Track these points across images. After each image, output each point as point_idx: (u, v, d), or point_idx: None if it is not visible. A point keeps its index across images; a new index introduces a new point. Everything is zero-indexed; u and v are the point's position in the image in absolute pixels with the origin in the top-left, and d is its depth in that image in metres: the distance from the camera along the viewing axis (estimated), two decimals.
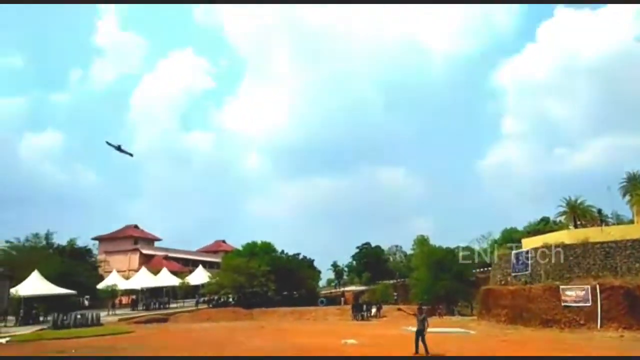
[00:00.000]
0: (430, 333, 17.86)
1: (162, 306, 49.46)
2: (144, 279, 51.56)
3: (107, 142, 45.90)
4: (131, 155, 49.12)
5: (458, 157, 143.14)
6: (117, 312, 45.40)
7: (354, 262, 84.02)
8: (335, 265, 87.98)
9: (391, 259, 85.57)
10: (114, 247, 74.03)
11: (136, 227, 78.62)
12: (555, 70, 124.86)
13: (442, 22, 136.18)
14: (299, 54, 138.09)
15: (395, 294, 57.79)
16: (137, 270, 59.77)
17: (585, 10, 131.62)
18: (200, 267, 59.94)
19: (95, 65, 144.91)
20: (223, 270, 54.27)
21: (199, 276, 55.78)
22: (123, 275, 56.83)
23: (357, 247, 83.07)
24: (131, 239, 75.42)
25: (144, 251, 73.48)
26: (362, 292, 61.57)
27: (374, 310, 44.04)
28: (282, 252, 61.78)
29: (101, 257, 71.13)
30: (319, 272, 74.91)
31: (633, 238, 28.62)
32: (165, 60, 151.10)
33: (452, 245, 62.77)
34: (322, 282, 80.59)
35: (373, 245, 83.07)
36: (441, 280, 46.74)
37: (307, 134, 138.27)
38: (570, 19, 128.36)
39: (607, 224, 40.81)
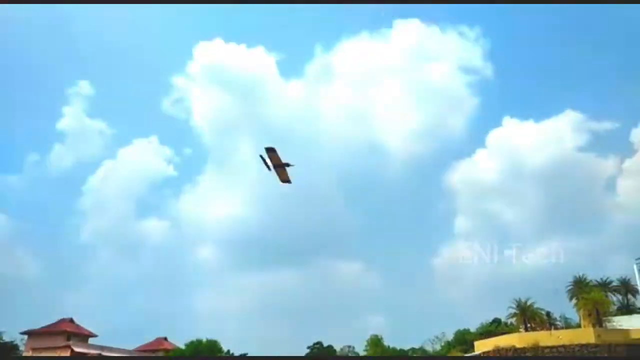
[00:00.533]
0: None
1: None
2: None
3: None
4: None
5: (412, 255, 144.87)
6: None
7: None
8: None
9: None
10: (44, 342, 67.10)
11: (71, 321, 72.35)
12: (503, 175, 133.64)
13: (400, 124, 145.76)
14: (260, 145, 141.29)
15: None
16: None
17: (530, 121, 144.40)
18: None
19: (54, 151, 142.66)
20: None
21: None
22: None
23: (308, 347, 79.45)
24: (64, 335, 68.95)
25: (76, 349, 66.87)
26: None
27: None
28: (228, 352, 58.18)
29: (27, 353, 64.22)
30: None
31: (581, 343, 29.14)
32: (128, 148, 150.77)
33: (406, 346, 61.64)
34: None
35: (325, 344, 79.76)
36: None
37: (262, 226, 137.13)
38: (517, 128, 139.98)
39: (555, 327, 41.52)
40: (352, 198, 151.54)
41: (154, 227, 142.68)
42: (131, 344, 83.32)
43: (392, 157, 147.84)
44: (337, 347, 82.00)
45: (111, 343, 72.72)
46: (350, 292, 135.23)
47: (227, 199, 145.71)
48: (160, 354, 75.02)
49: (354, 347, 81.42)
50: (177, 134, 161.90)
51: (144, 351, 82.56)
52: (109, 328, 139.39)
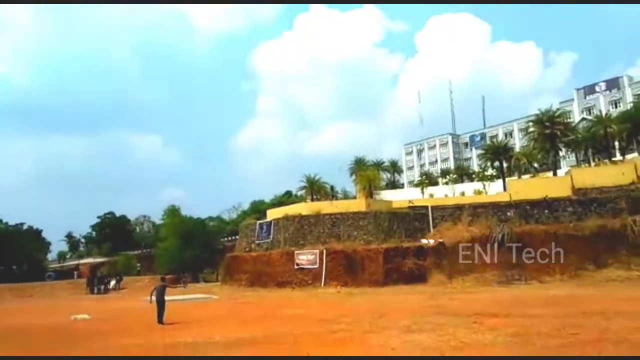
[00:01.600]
0: (174, 301, 17.52)
1: None
2: None
3: None
4: None
5: (214, 131, 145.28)
6: None
7: (94, 233, 76.39)
8: (70, 236, 78.39)
9: (138, 229, 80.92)
10: None
11: None
12: (306, 60, 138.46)
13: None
14: (43, 16, 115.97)
15: (138, 264, 55.12)
16: None
17: (335, 10, 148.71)
18: None
19: None
20: None
21: None
22: None
23: (99, 217, 75.77)
24: None
25: None
26: (101, 264, 56.53)
27: (112, 282, 41.01)
28: (1, 221, 51.56)
29: None
30: (49, 243, 65.59)
31: (354, 211, 33.83)
32: None
33: (204, 216, 63.71)
34: (52, 255, 70.84)
35: (117, 214, 77.09)
36: (189, 249, 46.67)
37: (45, 89, 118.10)
38: (323, 14, 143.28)
39: (337, 199, 47.42)
40: (152, 70, 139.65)
41: None
42: None
43: (200, 32, 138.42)
44: (132, 217, 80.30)
45: None
46: (148, 165, 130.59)
47: None
48: None
49: (150, 217, 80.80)
50: None
51: None
52: None
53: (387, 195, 45.01)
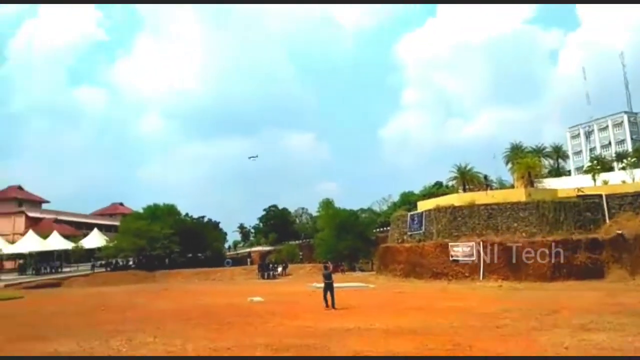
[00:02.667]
0: (335, 288, 18.75)
1: (53, 270, 46.22)
2: (31, 243, 47.58)
3: None
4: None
5: (362, 125, 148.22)
6: (3, 277, 41.56)
7: (261, 224, 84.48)
8: (242, 227, 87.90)
9: (297, 220, 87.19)
10: None
11: (20, 188, 71.44)
12: (452, 45, 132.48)
13: None
14: (204, 18, 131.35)
15: (300, 253, 59.44)
16: (23, 234, 54.75)
17: None
18: (96, 230, 56.54)
19: None
20: (122, 234, 51.68)
21: (95, 240, 52.72)
22: (7, 240, 51.84)
23: (264, 210, 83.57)
24: (14, 201, 68.45)
25: (30, 214, 67.19)
26: (268, 252, 62.34)
27: (280, 269, 45.02)
28: (187, 214, 60.24)
29: None
30: (225, 234, 74.51)
31: (512, 201, 31.83)
32: (51, 6, 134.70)
33: (355, 208, 65.88)
34: (228, 244, 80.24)
35: (280, 207, 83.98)
36: (344, 240, 48.80)
37: (213, 98, 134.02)
38: None
39: (491, 188, 44.91)
40: (303, 70, 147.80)
41: (90, 95, 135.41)
42: (86, 210, 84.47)
43: (343, 29, 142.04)
44: (292, 210, 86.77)
45: (65, 209, 73.29)
46: (302, 161, 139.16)
47: (170, 68, 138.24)
48: (117, 218, 76.71)
49: (307, 209, 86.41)
50: None
51: (101, 215, 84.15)
52: (59, 195, 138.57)
53: (550, 183, 41.12)
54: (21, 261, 49.89)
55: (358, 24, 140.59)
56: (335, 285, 18.95)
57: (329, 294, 18.29)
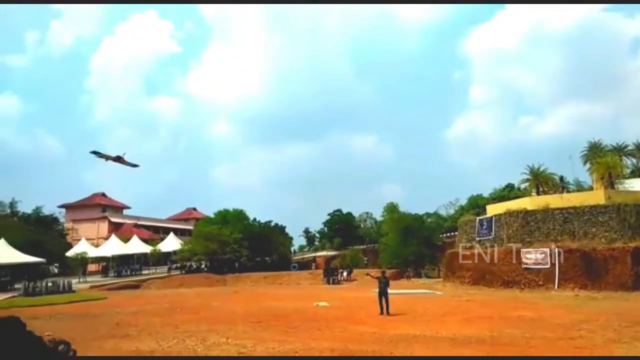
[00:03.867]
0: (399, 294, 18.74)
1: (133, 273, 49.40)
2: (114, 246, 51.19)
3: (95, 152, 43.25)
4: (136, 166, 48.78)
5: (427, 126, 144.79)
6: (88, 279, 45.14)
7: (326, 229, 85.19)
8: (307, 232, 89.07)
9: (362, 225, 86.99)
10: (82, 215, 72.72)
11: (103, 195, 77.26)
12: (523, 39, 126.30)
13: None
14: (268, 22, 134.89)
15: (365, 258, 59.31)
16: (106, 238, 59.20)
17: None
18: (172, 234, 59.81)
19: (52, 28, 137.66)
20: (195, 237, 54.31)
21: (171, 243, 55.73)
22: (92, 243, 56.23)
23: (329, 214, 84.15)
24: (99, 207, 74.17)
25: (113, 219, 72.51)
26: (333, 257, 62.80)
27: (344, 274, 45.27)
28: (254, 219, 62.14)
29: (68, 225, 70.00)
30: (291, 238, 75.88)
31: (590, 204, 30.02)
32: (126, 23, 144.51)
33: (421, 212, 64.75)
34: (294, 248, 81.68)
35: (344, 212, 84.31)
36: (409, 245, 48.15)
37: (277, 102, 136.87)
38: None
39: (568, 191, 42.55)
40: (365, 70, 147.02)
41: (165, 105, 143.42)
42: (163, 214, 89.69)
43: (405, 25, 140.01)
44: (356, 214, 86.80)
45: (143, 214, 78.33)
46: (365, 163, 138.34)
47: (237, 76, 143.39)
48: (191, 222, 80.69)
49: (372, 213, 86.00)
50: (176, 7, 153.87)
51: (176, 219, 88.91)
52: (139, 201, 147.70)
53: (633, 185, 38.28)
54: (104, 264, 53.79)
55: (422, 19, 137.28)
56: (401, 291, 18.98)
57: (383, 300, 18.35)
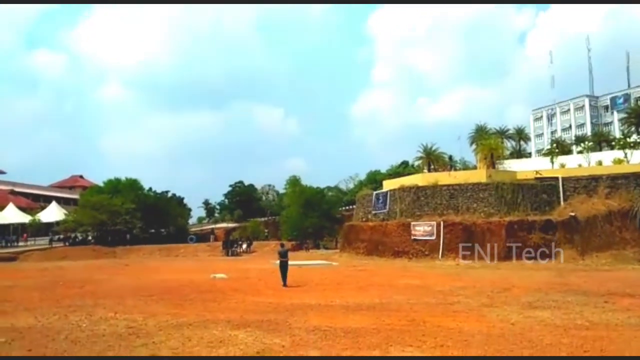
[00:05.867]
0: (297, 266, 19.02)
1: (9, 244, 44.77)
2: None
3: None
4: None
5: (332, 102, 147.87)
6: None
7: (226, 201, 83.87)
8: (206, 203, 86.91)
9: (264, 197, 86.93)
10: None
11: None
12: (425, 22, 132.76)
13: None
14: None
15: (266, 230, 59.55)
16: None
17: None
18: (54, 203, 54.93)
19: None
20: (81, 207, 50.41)
21: (53, 213, 51.25)
22: None
23: (230, 186, 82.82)
24: None
25: None
26: (233, 229, 62.14)
27: (244, 246, 45.08)
28: (150, 189, 59.08)
29: None
30: (190, 210, 73.59)
31: (473, 182, 32.73)
32: None
33: (322, 185, 66.25)
34: (192, 220, 79.43)
35: (247, 184, 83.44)
36: (310, 217, 49.18)
37: (181, 68, 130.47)
38: None
39: (455, 169, 46.07)
40: (271, 39, 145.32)
41: (47, 60, 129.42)
42: (44, 181, 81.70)
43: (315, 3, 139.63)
44: (258, 186, 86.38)
45: (22, 180, 70.67)
46: (270, 136, 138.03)
47: (135, 38, 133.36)
48: (77, 191, 74.66)
49: (274, 186, 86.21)
50: None
51: (60, 187, 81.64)
52: (15, 165, 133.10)
53: (511, 165, 42.47)
54: None
55: None
56: (299, 262, 19.27)
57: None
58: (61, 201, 62.01)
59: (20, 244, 46.87)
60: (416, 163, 55.80)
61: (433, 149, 48.41)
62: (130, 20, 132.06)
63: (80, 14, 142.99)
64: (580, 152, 47.66)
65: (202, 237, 55.96)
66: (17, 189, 66.28)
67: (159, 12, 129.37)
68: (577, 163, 39.23)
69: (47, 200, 61.18)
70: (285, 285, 18.17)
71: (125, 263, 34.12)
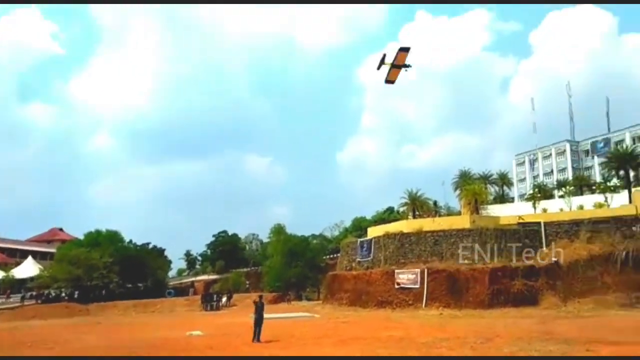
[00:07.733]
0: (277, 319, 18.28)
1: None
2: None
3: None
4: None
5: (320, 148, 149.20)
6: None
7: (209, 251, 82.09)
8: (188, 254, 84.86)
9: (247, 247, 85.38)
10: None
11: None
12: (409, 73, 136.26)
13: (315, 18, 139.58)
14: (165, 36, 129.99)
15: (247, 282, 57.96)
16: None
17: (443, 17, 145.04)
18: (30, 258, 53.16)
19: None
20: (57, 262, 48.79)
21: (28, 268, 49.58)
22: None
23: (213, 235, 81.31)
24: None
25: None
26: (214, 281, 60.48)
27: (224, 299, 43.62)
28: (130, 241, 57.73)
29: None
30: (170, 261, 71.61)
31: (457, 228, 32.58)
32: (4, 18, 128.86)
33: (307, 233, 65.42)
34: (173, 273, 77.33)
35: (230, 233, 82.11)
36: (294, 267, 48.14)
37: (166, 116, 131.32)
38: (429, 23, 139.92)
39: (440, 215, 45.93)
40: (262, 90, 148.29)
41: (39, 112, 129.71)
42: (23, 235, 79.47)
43: (306, 51, 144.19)
44: (242, 235, 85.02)
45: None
46: (256, 184, 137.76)
47: (125, 87, 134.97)
48: (56, 244, 72.60)
49: (258, 235, 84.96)
50: (63, 7, 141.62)
51: (38, 242, 79.37)
52: None
53: (494, 210, 42.58)
54: None
55: (322, 44, 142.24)
56: (279, 315, 18.53)
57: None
58: (38, 255, 60.16)
59: (1, 301, 44.75)
60: (401, 209, 55.58)
61: (418, 194, 48.45)
62: (119, 70, 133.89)
63: (78, 62, 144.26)
64: (561, 196, 48.06)
65: (181, 291, 54.31)
66: None
67: (146, 61, 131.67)
68: (559, 207, 39.51)
69: (24, 255, 59.23)
70: (258, 340, 17.32)
71: (98, 321, 32.60)
